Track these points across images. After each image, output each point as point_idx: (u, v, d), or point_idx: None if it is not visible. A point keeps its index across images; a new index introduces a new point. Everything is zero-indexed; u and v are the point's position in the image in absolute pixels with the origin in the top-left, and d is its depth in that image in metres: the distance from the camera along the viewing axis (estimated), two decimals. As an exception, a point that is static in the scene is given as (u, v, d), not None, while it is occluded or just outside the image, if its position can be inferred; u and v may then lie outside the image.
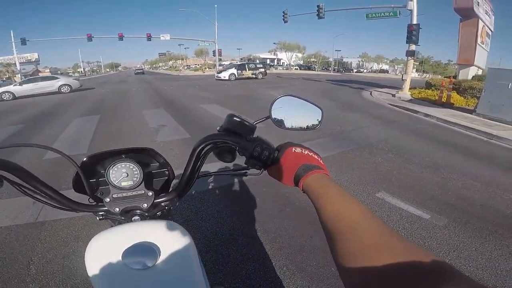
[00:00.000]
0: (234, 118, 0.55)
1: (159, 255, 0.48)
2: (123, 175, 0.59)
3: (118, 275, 0.47)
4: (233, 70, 21.51)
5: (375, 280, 0.26)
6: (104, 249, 0.49)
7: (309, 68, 60.79)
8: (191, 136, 4.68)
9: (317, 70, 56.91)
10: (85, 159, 0.60)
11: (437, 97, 8.94)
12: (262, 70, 23.09)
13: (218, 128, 0.57)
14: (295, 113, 0.61)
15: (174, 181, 0.69)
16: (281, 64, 69.60)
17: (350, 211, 0.36)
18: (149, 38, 32.56)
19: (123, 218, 0.62)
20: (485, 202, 2.57)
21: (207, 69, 52.39)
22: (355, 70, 63.17)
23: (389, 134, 5.08)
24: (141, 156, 0.64)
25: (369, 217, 0.34)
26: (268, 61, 73.17)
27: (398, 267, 0.26)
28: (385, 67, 69.83)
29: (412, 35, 10.76)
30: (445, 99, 8.34)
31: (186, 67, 73.20)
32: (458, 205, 2.51)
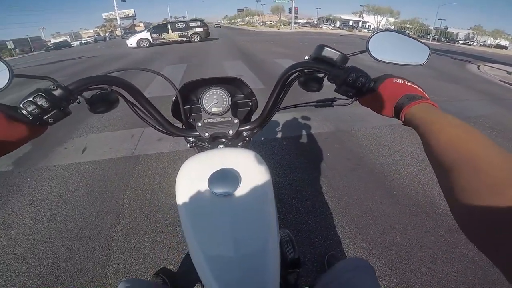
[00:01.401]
0: (326, 48, 0.54)
1: (240, 182, 0.50)
2: (213, 101, 0.63)
3: (203, 200, 0.48)
4: (145, 34, 16.32)
5: (505, 220, 0.22)
6: (192, 174, 0.52)
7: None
8: (265, 86, 4.80)
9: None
10: (182, 85, 0.65)
11: None
12: (200, 30, 17.03)
13: (306, 57, 0.56)
14: (396, 49, 0.57)
15: (256, 113, 0.72)
16: (367, 27, 61.27)
17: (472, 141, 0.31)
18: None
19: (209, 145, 0.66)
20: None
21: (282, 26, 50.22)
22: (461, 42, 51.34)
23: (494, 111, 4.21)
24: (230, 86, 0.68)
25: (495, 148, 0.29)
26: (351, 23, 65.44)
27: None
28: (504, 42, 54.57)
29: None
30: None
31: (261, 23, 71.80)
32: None
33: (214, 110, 0.64)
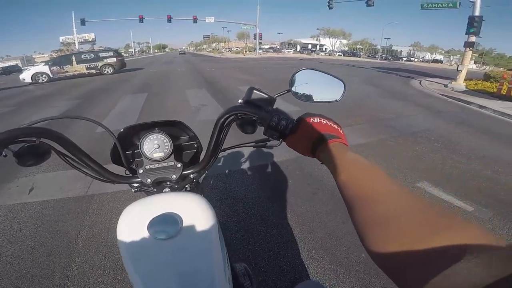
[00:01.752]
0: (254, 91, 0.56)
1: (181, 226, 0.50)
2: (154, 146, 0.63)
3: (143, 244, 0.48)
4: (42, 68, 13.60)
5: (395, 248, 0.25)
6: (133, 220, 0.52)
7: (353, 55, 57.35)
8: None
9: (363, 57, 53.31)
10: (121, 130, 0.64)
11: (495, 89, 7.97)
12: (112, 60, 14.85)
13: (239, 101, 0.58)
14: (316, 87, 0.60)
15: (203, 154, 0.71)
16: (323, 49, 66.40)
17: (369, 180, 0.35)
18: (195, 20, 33.60)
19: (155, 190, 0.65)
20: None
21: (248, 52, 52.37)
22: (404, 59, 57.92)
23: (436, 124, 4.71)
24: (172, 129, 0.68)
25: (390, 184, 0.33)
26: (309, 46, 70.47)
27: (418, 236, 0.25)
28: (439, 57, 62.70)
29: (473, 26, 9.66)
30: (505, 91, 7.39)
31: (228, 50, 74.07)
32: (506, 199, 2.32)
33: (155, 155, 0.63)
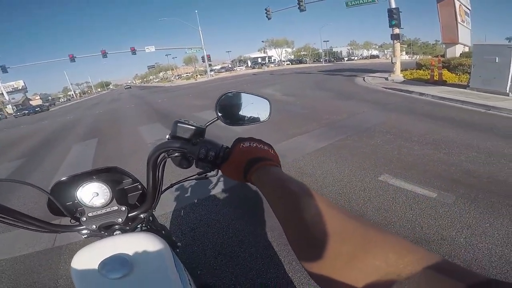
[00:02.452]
0: (179, 124, 0.55)
1: (133, 265, 0.51)
2: (93, 194, 0.62)
3: (96, 285, 0.50)
4: None
5: (328, 271, 0.26)
6: (84, 264, 0.53)
7: (300, 62, 60.95)
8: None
9: (309, 63, 56.95)
10: (54, 184, 0.64)
11: (429, 76, 8.93)
12: None
13: (167, 136, 0.57)
14: (244, 108, 0.60)
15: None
16: (272, 61, 69.64)
17: (296, 200, 0.35)
18: (133, 52, 32.62)
19: (105, 233, 0.65)
20: (491, 174, 2.51)
21: (199, 76, 52.39)
22: (346, 59, 63.24)
23: (386, 116, 5.04)
24: (110, 174, 0.67)
25: (318, 202, 0.32)
26: (259, 60, 73.37)
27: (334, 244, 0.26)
28: (375, 52, 69.82)
29: (393, 19, 10.86)
30: (437, 77, 8.33)
31: (177, 77, 73.45)
32: (464, 180, 2.45)
33: (96, 203, 0.62)
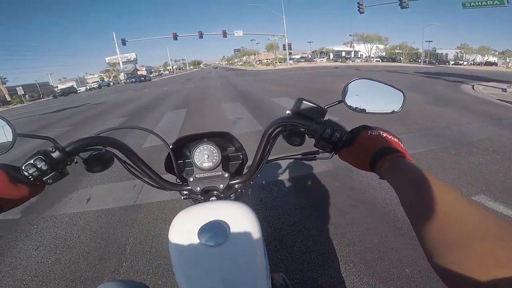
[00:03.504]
0: (303, 101, 0.54)
1: (229, 233, 0.51)
2: (204, 156, 0.66)
3: (193, 250, 0.50)
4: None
5: (477, 268, 0.23)
6: (184, 226, 0.54)
7: (393, 60, 54.39)
8: (262, 128, 4.92)
9: (403, 62, 50.27)
10: (174, 141, 0.69)
11: None
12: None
13: (287, 112, 0.57)
14: (372, 97, 0.57)
15: (247, 165, 0.74)
16: (359, 56, 64.24)
17: (441, 196, 0.32)
18: (224, 35, 35.25)
19: (202, 198, 0.68)
20: None
21: (278, 63, 52.79)
22: (452, 62, 53.06)
23: (495, 133, 4.17)
24: (220, 140, 0.70)
25: (465, 203, 0.30)
26: (343, 53, 68.83)
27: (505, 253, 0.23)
28: (493, 59, 56.27)
29: None
30: None
31: (258, 62, 75.58)
32: None
33: (205, 165, 0.66)
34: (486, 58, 56.49)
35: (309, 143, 0.60)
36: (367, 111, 0.57)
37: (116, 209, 2.56)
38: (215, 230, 0.51)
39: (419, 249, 1.43)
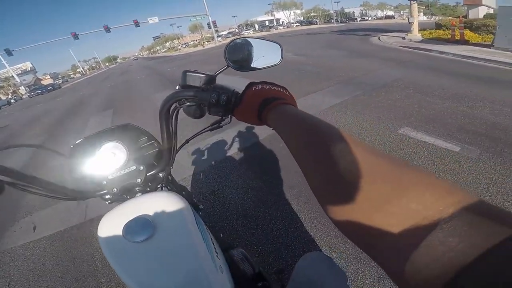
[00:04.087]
0: (188, 73, 0.54)
1: (155, 226, 0.50)
2: (111, 155, 0.62)
3: (123, 250, 0.49)
4: None
5: (360, 216, 0.23)
6: (108, 229, 0.52)
7: (310, 23, 57.48)
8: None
9: (320, 24, 53.52)
10: (72, 146, 0.62)
11: (449, 36, 8.27)
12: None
13: (177, 87, 0.56)
14: (254, 55, 0.59)
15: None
16: (281, 23, 66.08)
17: (323, 137, 0.31)
18: (137, 24, 31.79)
19: (127, 196, 0.64)
20: (518, 125, 2.40)
21: (206, 42, 50.78)
22: (359, 19, 58.89)
23: (404, 73, 4.84)
24: (125, 133, 0.66)
25: (346, 140, 0.29)
26: (267, 23, 69.90)
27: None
28: (390, 13, 64.74)
29: None
30: (459, 36, 7.73)
31: (184, 45, 71.68)
32: (489, 133, 2.37)
33: (114, 164, 0.62)
34: (385, 13, 64.27)
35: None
36: (252, 67, 0.58)
37: (69, 229, 2.34)
38: (139, 226, 0.49)
39: None
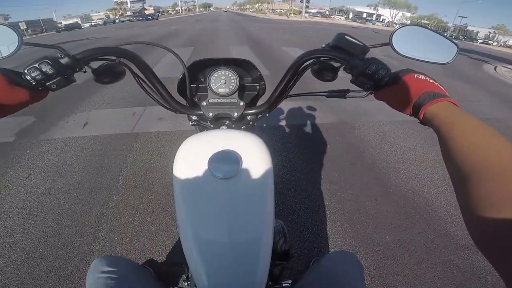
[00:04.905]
0: (346, 37, 0.51)
1: (241, 166, 0.48)
2: (221, 81, 0.62)
3: (200, 181, 0.47)
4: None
5: None
6: (192, 153, 0.51)
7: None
8: (270, 73, 4.70)
9: (427, 33, 47.00)
10: (191, 62, 0.64)
11: None
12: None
13: (323, 45, 0.53)
14: (421, 44, 0.54)
15: (262, 99, 0.71)
16: (381, 20, 59.69)
17: (495, 147, 0.29)
18: None
19: (212, 126, 0.65)
20: None
21: (292, 14, 49.16)
22: (480, 41, 49.52)
23: (507, 115, 4.07)
24: (239, 68, 0.66)
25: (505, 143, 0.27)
26: (364, 15, 63.98)
27: None
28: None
29: None
30: None
31: (271, 11, 71.17)
32: None
33: (220, 90, 0.63)
34: (521, 42, 52.63)
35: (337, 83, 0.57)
36: (414, 57, 0.54)
37: (113, 136, 2.50)
38: (227, 161, 0.48)
39: (403, 218, 1.46)
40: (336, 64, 0.55)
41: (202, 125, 0.68)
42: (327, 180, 2.01)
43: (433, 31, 0.55)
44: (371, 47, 0.53)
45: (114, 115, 2.96)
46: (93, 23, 46.67)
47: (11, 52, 0.47)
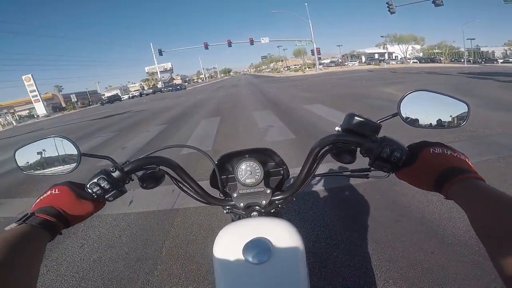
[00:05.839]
0: (355, 118, 0.52)
1: (272, 251, 0.51)
2: (247, 172, 0.66)
3: (236, 266, 0.51)
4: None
5: None
6: (228, 242, 0.55)
7: (432, 61, 50.57)
8: (295, 136, 4.80)
9: (444, 62, 46.57)
10: (219, 157, 0.71)
11: None
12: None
13: (337, 129, 0.55)
14: (430, 109, 0.54)
15: (287, 181, 0.75)
16: (394, 58, 61.26)
17: None
18: (251, 42, 36.52)
19: (243, 212, 0.69)
20: None
21: (307, 69, 52.32)
22: (500, 61, 47.91)
23: None
24: (261, 155, 0.71)
25: None
26: (376, 56, 66.30)
27: None
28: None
29: None
30: None
31: (286, 68, 76.15)
32: None
33: (248, 181, 0.66)
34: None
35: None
36: (426, 126, 0.54)
37: (156, 212, 2.68)
38: (259, 248, 0.51)
39: (470, 267, 1.32)
40: (353, 147, 0.56)
41: (234, 212, 0.71)
42: (373, 240, 1.91)
43: (439, 93, 0.54)
44: (380, 121, 0.53)
45: (156, 193, 3.13)
46: (130, 95, 52.57)
47: (72, 167, 0.57)
